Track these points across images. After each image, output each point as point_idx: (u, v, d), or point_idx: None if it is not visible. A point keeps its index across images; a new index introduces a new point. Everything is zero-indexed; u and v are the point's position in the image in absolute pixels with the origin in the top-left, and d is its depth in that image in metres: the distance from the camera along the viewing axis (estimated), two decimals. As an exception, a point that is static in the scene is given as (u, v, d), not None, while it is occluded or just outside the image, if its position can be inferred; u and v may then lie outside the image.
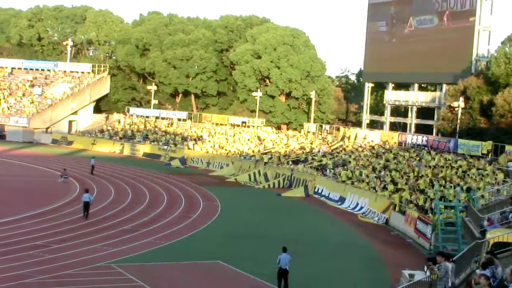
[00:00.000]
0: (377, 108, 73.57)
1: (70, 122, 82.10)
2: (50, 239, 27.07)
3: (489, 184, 34.48)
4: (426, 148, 49.20)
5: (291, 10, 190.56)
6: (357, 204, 41.52)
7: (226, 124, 74.55)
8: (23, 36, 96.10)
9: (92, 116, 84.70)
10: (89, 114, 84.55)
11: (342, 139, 60.96)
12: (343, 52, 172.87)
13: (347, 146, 57.69)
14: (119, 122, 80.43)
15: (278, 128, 77.81)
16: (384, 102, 66.90)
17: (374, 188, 41.25)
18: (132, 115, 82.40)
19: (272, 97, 79.75)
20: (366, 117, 68.99)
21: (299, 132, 71.14)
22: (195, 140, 69.40)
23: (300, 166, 52.75)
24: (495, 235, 21.10)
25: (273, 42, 77.81)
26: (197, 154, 65.08)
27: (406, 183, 39.27)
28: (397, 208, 36.85)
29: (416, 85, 63.24)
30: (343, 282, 24.42)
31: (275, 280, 21.79)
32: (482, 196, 31.42)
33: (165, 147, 68.32)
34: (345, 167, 48.40)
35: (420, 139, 52.03)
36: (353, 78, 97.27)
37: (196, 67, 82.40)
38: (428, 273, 17.32)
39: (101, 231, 29.39)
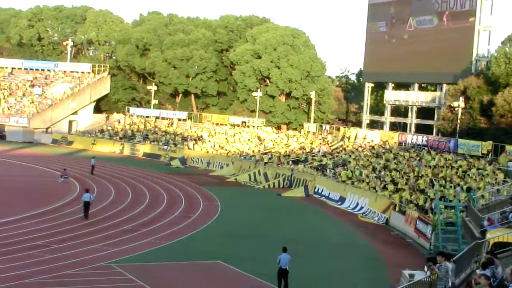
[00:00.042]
0: (377, 108, 73.57)
1: (70, 122, 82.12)
2: (50, 239, 27.07)
3: (489, 184, 34.49)
4: (426, 148, 49.21)
5: (291, 10, 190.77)
6: (357, 204, 41.53)
7: (226, 124, 74.56)
8: (23, 36, 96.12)
9: (92, 116, 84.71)
10: (89, 114, 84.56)
11: (342, 139, 60.96)
12: (343, 52, 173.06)
13: (347, 146, 57.70)
14: (119, 122, 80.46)
15: (278, 128, 77.81)
16: (384, 102, 66.91)
17: (374, 188, 41.26)
18: (132, 115, 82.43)
19: (272, 97, 79.76)
20: (366, 117, 69.01)
21: (299, 132, 71.14)
22: (195, 140, 69.41)
23: (300, 166, 52.75)
24: (495, 235, 21.10)
25: (273, 42, 77.82)
26: (197, 154, 65.09)
27: (406, 183, 39.28)
28: (397, 208, 36.85)
29: (416, 85, 63.26)
30: (343, 282, 24.42)
31: (275, 280, 21.79)
32: (482, 196, 31.43)
33: (165, 147, 68.33)
34: (345, 167, 48.41)
35: (420, 139, 52.04)
36: (353, 78, 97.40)
37: (196, 67, 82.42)
38: (428, 273, 17.32)
39: (101, 231, 29.40)
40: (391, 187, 39.74)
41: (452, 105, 51.93)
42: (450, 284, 16.26)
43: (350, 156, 52.18)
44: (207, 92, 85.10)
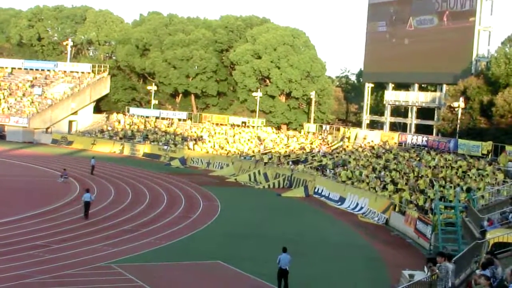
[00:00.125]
0: (377, 108, 73.57)
1: (70, 122, 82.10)
2: (50, 239, 27.07)
3: (489, 185, 34.49)
4: (426, 149, 49.21)
5: (291, 10, 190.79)
6: (357, 204, 41.53)
7: (226, 124, 74.54)
8: (23, 36, 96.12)
9: (92, 116, 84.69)
10: (89, 114, 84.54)
11: (342, 139, 60.95)
12: (343, 52, 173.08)
13: (347, 146, 57.70)
14: (119, 122, 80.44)
15: (278, 128, 77.78)
16: (384, 102, 66.92)
17: (374, 188, 41.25)
18: (132, 115, 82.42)
19: (272, 97, 79.76)
20: (366, 117, 69.02)
21: (299, 132, 71.11)
22: (195, 140, 69.41)
23: (300, 166, 52.75)
24: (495, 235, 21.09)
25: (273, 42, 77.82)
26: (197, 154, 65.09)
27: (406, 183, 39.28)
28: (397, 208, 36.85)
29: (416, 85, 63.27)
30: (343, 282, 24.43)
31: (275, 280, 21.79)
32: (482, 197, 31.44)
33: (165, 147, 68.32)
34: (345, 167, 48.40)
35: (420, 139, 52.04)
36: (353, 78, 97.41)
37: (196, 67, 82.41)
38: (428, 273, 17.31)
39: (101, 231, 29.40)
40: (391, 187, 39.73)
41: (452, 105, 51.94)
42: (450, 284, 16.26)
43: (350, 156, 52.17)
44: (207, 92, 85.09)
